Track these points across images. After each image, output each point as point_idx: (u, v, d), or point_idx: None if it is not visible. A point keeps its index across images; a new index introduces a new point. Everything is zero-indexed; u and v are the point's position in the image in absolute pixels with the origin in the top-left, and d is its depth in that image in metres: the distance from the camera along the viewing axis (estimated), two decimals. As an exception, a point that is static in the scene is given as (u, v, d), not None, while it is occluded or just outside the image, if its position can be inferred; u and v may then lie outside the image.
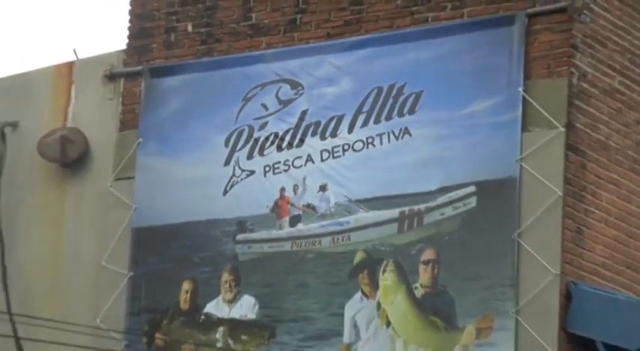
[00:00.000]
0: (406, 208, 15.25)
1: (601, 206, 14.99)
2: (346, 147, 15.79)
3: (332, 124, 15.90)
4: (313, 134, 16.03)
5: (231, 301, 16.06)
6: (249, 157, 16.50)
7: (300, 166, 16.07)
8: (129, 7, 18.05)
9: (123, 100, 17.67)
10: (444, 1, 15.80)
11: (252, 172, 16.42)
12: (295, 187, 16.07)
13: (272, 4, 16.84)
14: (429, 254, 14.92)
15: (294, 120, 16.16)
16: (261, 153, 16.37)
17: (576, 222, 14.49)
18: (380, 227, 15.44)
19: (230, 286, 16.09)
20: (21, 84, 18.77)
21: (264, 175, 16.31)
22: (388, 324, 14.92)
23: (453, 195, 15.04)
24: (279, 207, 16.21)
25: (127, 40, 17.91)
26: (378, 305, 15.06)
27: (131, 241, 16.94)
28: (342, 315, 15.27)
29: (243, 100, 16.61)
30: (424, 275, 14.85)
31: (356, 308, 15.19)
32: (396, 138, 15.48)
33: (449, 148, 15.33)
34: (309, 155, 15.96)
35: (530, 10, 14.95)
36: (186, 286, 16.35)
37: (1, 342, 15.80)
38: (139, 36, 17.85)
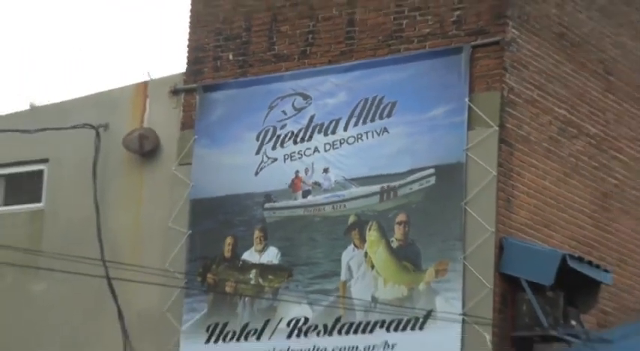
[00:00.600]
0: (385, 185, 15.89)
1: (524, 183, 15.80)
2: (342, 141, 16.41)
3: (332, 125, 16.49)
4: (319, 132, 16.63)
5: (261, 251, 16.63)
6: (273, 148, 17.03)
7: (310, 154, 16.68)
8: (187, 42, 18.51)
9: (183, 108, 18.15)
10: (412, 37, 16.39)
11: (276, 159, 16.97)
12: (306, 170, 16.63)
13: (289, 40, 17.33)
14: (401, 217, 15.61)
15: (305, 122, 16.72)
16: (281, 145, 16.96)
17: (506, 194, 15.31)
18: (366, 198, 16.05)
19: (260, 240, 16.66)
20: (111, 97, 19.17)
21: (284, 162, 16.88)
22: (372, 267, 15.62)
23: (419, 175, 15.69)
24: (294, 184, 16.73)
25: (185, 66, 18.39)
26: (365, 254, 15.73)
27: (189, 209, 17.46)
28: (339, 260, 15.89)
29: (268, 108, 17.16)
30: (398, 232, 15.58)
31: (350, 256, 15.84)
32: (378, 134, 16.16)
33: (416, 142, 16.03)
34: (315, 147, 16.62)
35: (473, 43, 15.74)
36: (228, 240, 16.92)
37: (97, 281, 16.80)
38: (194, 62, 18.31)
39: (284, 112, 17.05)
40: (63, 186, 19.07)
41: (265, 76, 17.48)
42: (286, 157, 17.02)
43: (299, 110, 17.01)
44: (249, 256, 16.88)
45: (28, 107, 21.70)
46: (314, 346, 16.08)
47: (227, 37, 18.14)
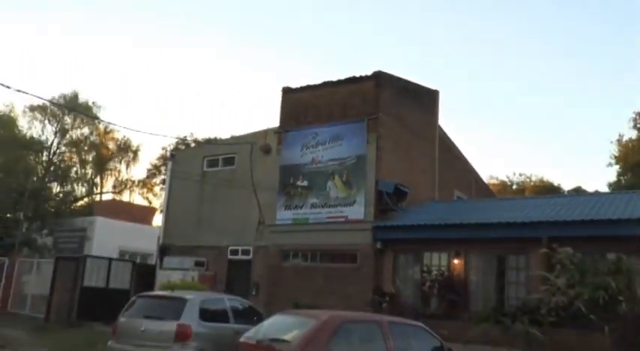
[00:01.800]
0: (340, 161, 18.51)
1: (385, 164, 18.16)
2: (327, 148, 18.91)
3: (324, 142, 18.98)
4: (321, 145, 19.06)
5: (302, 182, 19.15)
6: (306, 149, 19.29)
7: (317, 152, 19.06)
8: (279, 116, 20.27)
9: (278, 138, 20.09)
10: (348, 116, 18.65)
11: (307, 153, 19.24)
12: (316, 156, 19.04)
13: (313, 117, 19.46)
14: (346, 172, 18.30)
15: (316, 141, 19.15)
16: (308, 149, 19.29)
17: (380, 165, 17.95)
18: (335, 165, 18.61)
19: (302, 178, 19.10)
20: (255, 134, 20.84)
21: (309, 154, 19.22)
22: (337, 187, 18.44)
23: (350, 159, 18.35)
24: (313, 160, 19.11)
25: (279, 123, 20.20)
26: (335, 182, 18.50)
27: (280, 169, 19.67)
28: (326, 185, 18.64)
29: (305, 138, 19.36)
30: (345, 176, 18.28)
31: (330, 183, 18.56)
32: (339, 146, 18.66)
33: (349, 148, 18.43)
34: (319, 149, 19.04)
35: (367, 118, 18.18)
36: (291, 178, 19.21)
37: (250, 193, 19.31)
38: (282, 123, 20.14)
39: (310, 139, 19.41)
40: (240, 162, 20.90)
41: (305, 128, 19.64)
42: (310, 152, 19.31)
43: (314, 138, 19.34)
44: (299, 183, 19.32)
45: (230, 136, 23.79)
46: (318, 212, 18.62)
47: (291, 116, 20.08)
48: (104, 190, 42.35)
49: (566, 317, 13.18)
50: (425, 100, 21.85)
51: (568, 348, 12.64)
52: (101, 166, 40.68)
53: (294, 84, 20.74)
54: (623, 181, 36.31)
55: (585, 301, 12.61)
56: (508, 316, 13.82)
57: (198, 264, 20.31)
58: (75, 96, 39.34)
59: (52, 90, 68.35)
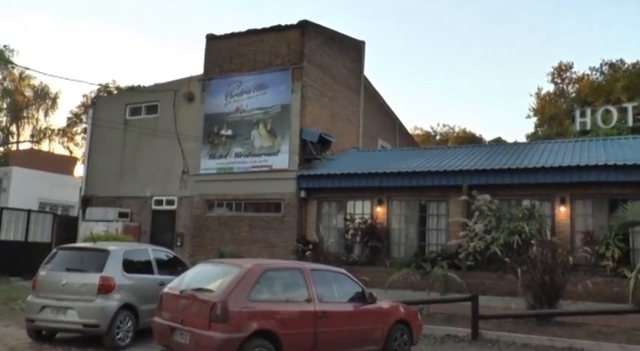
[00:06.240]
0: (265, 110, 18.34)
1: (308, 110, 18.16)
2: (252, 97, 18.60)
3: (249, 91, 18.70)
4: (245, 93, 18.74)
5: (226, 131, 18.90)
6: (230, 98, 18.97)
7: (242, 100, 18.75)
8: (204, 64, 19.86)
9: (202, 86, 19.58)
10: (274, 65, 18.44)
11: (231, 102, 18.96)
12: (241, 105, 18.74)
13: (238, 65, 19.14)
14: (270, 121, 18.14)
15: (241, 90, 18.83)
16: (233, 97, 19.03)
17: (303, 114, 17.86)
18: (260, 114, 18.44)
19: (226, 127, 18.79)
20: (179, 81, 20.30)
21: (233, 103, 18.93)
22: (261, 135, 18.27)
23: (275, 108, 18.26)
24: (237, 110, 18.83)
25: (203, 71, 19.78)
26: (259, 131, 18.29)
27: (204, 118, 19.26)
28: (251, 134, 18.44)
29: (229, 86, 19.04)
30: (268, 125, 18.15)
31: (255, 132, 18.38)
32: (263, 95, 18.45)
33: (274, 97, 18.32)
34: (244, 98, 18.74)
35: (292, 67, 18.11)
36: (216, 127, 18.87)
37: (175, 141, 19.14)
38: (206, 70, 19.71)
39: (235, 87, 19.08)
40: (163, 110, 20.38)
41: (229, 76, 19.25)
42: (234, 101, 19.03)
43: (239, 86, 19.01)
44: (223, 132, 19.03)
45: (153, 84, 22.41)
46: (243, 161, 18.46)
47: (216, 63, 19.65)
48: (21, 139, 41.16)
49: (482, 261, 14.08)
50: (351, 50, 21.93)
51: (484, 289, 13.40)
52: (17, 113, 39.40)
53: (219, 31, 20.56)
54: (540, 132, 38.36)
55: (501, 245, 13.53)
56: (428, 262, 14.39)
57: (122, 215, 20.21)
58: (-15, 39, 37.47)
59: (-40, 33, 64.33)
